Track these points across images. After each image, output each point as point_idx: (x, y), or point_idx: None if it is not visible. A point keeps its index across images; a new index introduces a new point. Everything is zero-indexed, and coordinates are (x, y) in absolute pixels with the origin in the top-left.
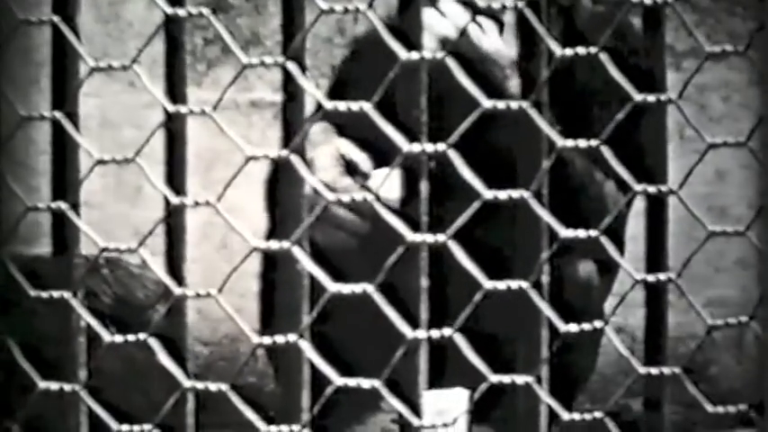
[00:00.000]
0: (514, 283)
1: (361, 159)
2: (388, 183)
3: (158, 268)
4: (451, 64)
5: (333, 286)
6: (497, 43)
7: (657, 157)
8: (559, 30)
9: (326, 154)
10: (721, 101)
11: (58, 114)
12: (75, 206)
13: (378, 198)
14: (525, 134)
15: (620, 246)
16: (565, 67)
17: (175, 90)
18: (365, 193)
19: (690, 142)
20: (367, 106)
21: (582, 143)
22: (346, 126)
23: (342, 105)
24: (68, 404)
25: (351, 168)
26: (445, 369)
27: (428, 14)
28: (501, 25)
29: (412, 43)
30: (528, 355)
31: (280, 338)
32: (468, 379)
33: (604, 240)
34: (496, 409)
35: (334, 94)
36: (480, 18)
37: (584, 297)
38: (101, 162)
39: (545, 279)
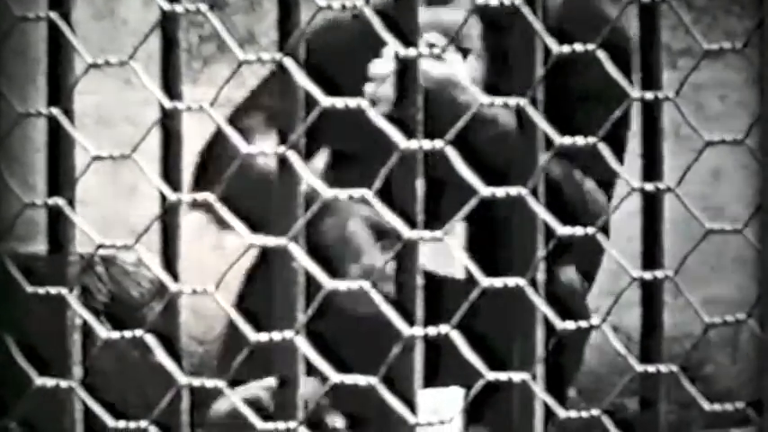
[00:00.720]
0: (511, 281)
1: (391, 222)
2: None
3: (154, 265)
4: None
5: (329, 283)
6: (454, 68)
7: (653, 155)
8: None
9: (359, 227)
10: (717, 100)
11: (54, 110)
12: (71, 203)
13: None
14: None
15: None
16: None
17: (171, 87)
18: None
19: (686, 141)
20: (364, 103)
21: (580, 141)
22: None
23: (339, 102)
24: (64, 401)
25: (381, 233)
26: (439, 368)
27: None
28: (464, 52)
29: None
30: (523, 354)
31: (276, 336)
32: (462, 378)
33: (601, 238)
34: (491, 408)
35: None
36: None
37: (566, 305)
38: (97, 158)
39: (540, 277)
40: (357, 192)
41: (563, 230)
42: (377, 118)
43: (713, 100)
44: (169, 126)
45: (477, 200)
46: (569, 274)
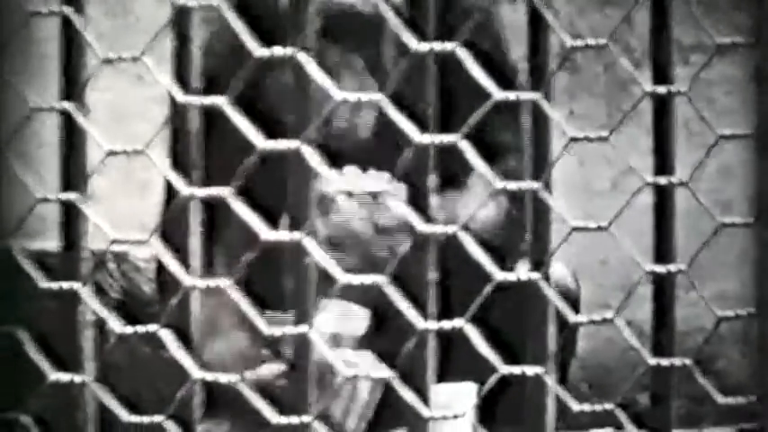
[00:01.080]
0: (525, 275)
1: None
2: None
3: (169, 260)
4: (462, 54)
5: (343, 277)
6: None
7: (665, 150)
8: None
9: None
10: (727, 96)
11: (68, 105)
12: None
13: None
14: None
15: None
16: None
17: (184, 83)
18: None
19: (696, 137)
20: (379, 96)
21: (592, 135)
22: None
23: (352, 96)
24: (77, 397)
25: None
26: (451, 363)
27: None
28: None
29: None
30: (534, 347)
31: (289, 330)
32: (474, 373)
33: (615, 232)
34: (503, 402)
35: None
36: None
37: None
38: (112, 153)
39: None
40: (371, 186)
41: (576, 223)
42: (393, 112)
43: (723, 96)
44: (181, 122)
45: (491, 193)
46: (560, 270)
